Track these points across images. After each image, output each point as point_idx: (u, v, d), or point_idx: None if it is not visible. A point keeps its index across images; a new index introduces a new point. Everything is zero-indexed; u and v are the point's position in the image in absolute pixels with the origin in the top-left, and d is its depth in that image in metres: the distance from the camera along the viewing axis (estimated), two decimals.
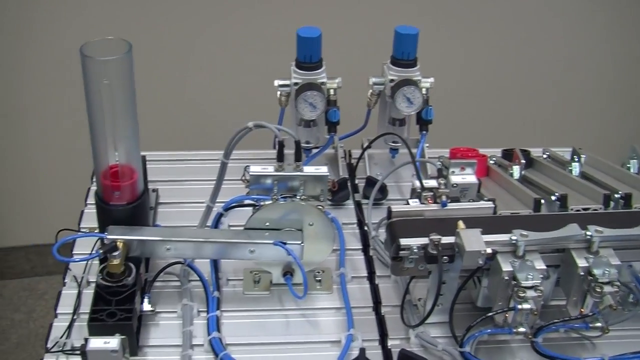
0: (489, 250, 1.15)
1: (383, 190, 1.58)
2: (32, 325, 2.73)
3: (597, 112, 2.87)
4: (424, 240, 1.18)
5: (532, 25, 2.63)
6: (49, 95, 2.51)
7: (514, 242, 1.17)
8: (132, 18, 2.39)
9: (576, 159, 1.54)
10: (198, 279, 1.35)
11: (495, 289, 1.19)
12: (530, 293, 1.15)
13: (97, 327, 1.17)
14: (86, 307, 1.24)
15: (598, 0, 2.63)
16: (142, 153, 1.33)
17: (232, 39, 2.46)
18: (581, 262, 1.18)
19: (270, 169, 1.30)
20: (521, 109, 2.79)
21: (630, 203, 1.36)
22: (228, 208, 1.50)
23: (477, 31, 2.60)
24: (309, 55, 1.54)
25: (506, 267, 1.16)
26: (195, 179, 1.63)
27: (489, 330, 1.21)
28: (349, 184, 1.61)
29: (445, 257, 1.17)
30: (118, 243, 1.23)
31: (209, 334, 1.25)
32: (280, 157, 1.30)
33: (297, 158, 1.31)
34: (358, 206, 1.58)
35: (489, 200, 1.31)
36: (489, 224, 1.21)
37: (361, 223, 1.54)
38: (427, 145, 1.64)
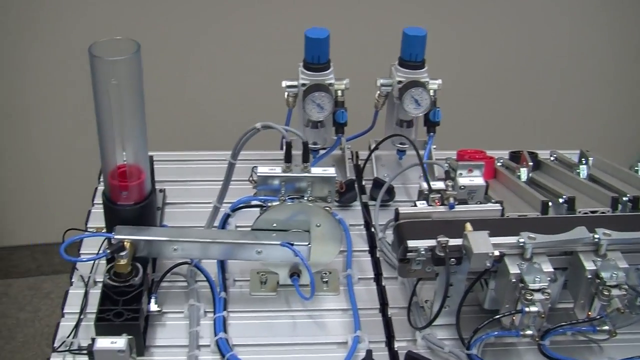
0: (496, 253, 1.15)
1: (390, 192, 1.58)
2: (37, 324, 2.74)
3: (605, 114, 2.86)
4: (431, 242, 1.18)
5: (540, 28, 2.63)
6: (56, 94, 2.51)
7: (521, 244, 1.17)
8: (138, 18, 2.39)
9: (584, 162, 1.54)
10: (205, 279, 1.35)
11: (502, 291, 1.19)
12: (538, 296, 1.14)
13: (104, 327, 1.17)
14: (93, 306, 1.24)
15: (606, 1, 2.62)
16: (150, 153, 1.33)
17: (240, 40, 2.46)
18: (589, 265, 1.18)
19: (277, 170, 1.30)
20: (528, 111, 2.79)
21: (639, 206, 1.35)
22: (235, 209, 1.50)
23: (485, 33, 2.60)
24: (317, 56, 1.54)
25: (514, 269, 1.16)
26: (203, 180, 1.63)
27: (496, 333, 1.21)
28: (356, 185, 1.61)
29: (452, 259, 1.17)
30: (125, 243, 1.23)
31: (215, 335, 1.25)
32: (288, 158, 1.30)
33: (305, 159, 1.31)
34: (365, 208, 1.58)
35: (496, 202, 1.31)
36: (497, 226, 1.21)
37: (368, 224, 1.53)
38: (435, 146, 1.64)
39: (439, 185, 1.31)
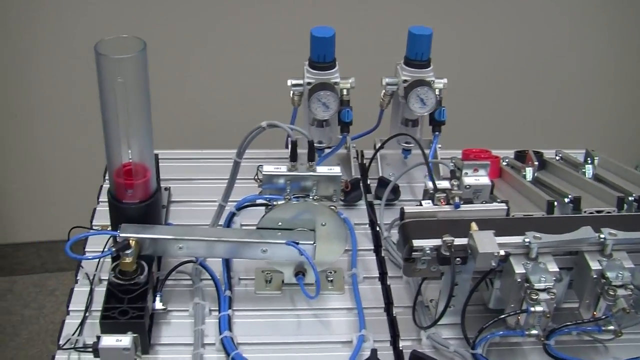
0: (502, 252, 1.15)
1: (395, 191, 1.57)
2: (42, 321, 2.74)
3: (611, 113, 2.85)
4: (436, 242, 1.18)
5: (545, 27, 2.62)
6: (61, 92, 2.51)
7: (527, 244, 1.17)
8: (144, 16, 2.39)
9: (589, 161, 1.53)
10: (210, 278, 1.36)
11: (507, 291, 1.19)
12: (543, 295, 1.14)
13: (109, 324, 1.17)
14: (98, 304, 1.24)
15: (612, 2, 2.61)
16: (155, 151, 1.33)
17: (245, 39, 2.46)
18: (594, 265, 1.18)
19: (283, 169, 1.30)
20: (534, 111, 2.78)
21: None
22: (240, 207, 1.50)
23: (490, 32, 2.59)
24: (322, 55, 1.54)
25: (519, 269, 1.16)
26: (208, 178, 1.63)
27: (501, 333, 1.21)
28: (361, 184, 1.61)
29: (458, 259, 1.17)
30: (130, 241, 1.23)
31: (220, 333, 1.25)
32: (293, 157, 1.30)
33: (310, 158, 1.31)
34: (370, 207, 1.58)
35: (502, 202, 1.31)
36: (502, 225, 1.21)
37: (373, 223, 1.53)
38: (440, 146, 1.64)
39: (444, 184, 1.31)
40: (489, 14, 2.55)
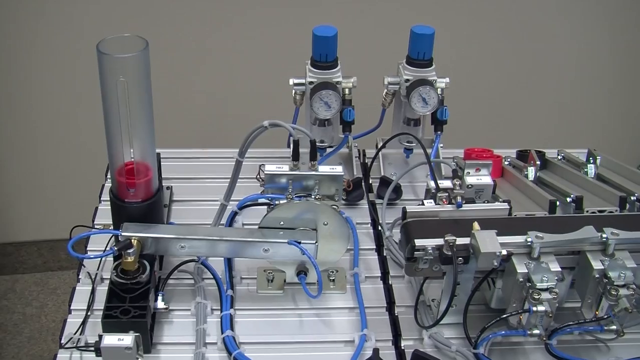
0: (504, 252, 1.15)
1: (397, 191, 1.58)
2: (43, 319, 2.74)
3: (613, 113, 2.85)
4: (438, 241, 1.18)
5: (547, 27, 2.62)
6: (62, 91, 2.51)
7: (529, 243, 1.17)
8: (145, 15, 2.39)
9: (591, 161, 1.53)
10: (212, 277, 1.36)
11: (509, 290, 1.19)
12: (545, 295, 1.14)
13: (111, 323, 1.17)
14: (100, 303, 1.24)
15: (616, 1, 2.61)
16: (157, 150, 1.33)
17: (247, 38, 2.46)
18: (597, 265, 1.18)
19: (285, 168, 1.30)
20: (536, 110, 2.78)
21: None
22: (242, 206, 1.50)
23: (493, 31, 2.59)
24: (324, 54, 1.54)
25: (521, 268, 1.16)
26: (210, 177, 1.63)
27: (503, 332, 1.20)
28: (363, 183, 1.61)
29: (460, 258, 1.17)
30: (132, 240, 1.23)
31: (222, 332, 1.25)
32: (295, 156, 1.30)
33: (312, 157, 1.31)
34: (372, 206, 1.58)
35: (504, 201, 1.30)
36: (504, 225, 1.21)
37: (375, 223, 1.53)
38: (442, 145, 1.63)
39: (446, 184, 1.31)
40: (491, 13, 2.55)
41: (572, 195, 1.37)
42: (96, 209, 1.53)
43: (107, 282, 1.25)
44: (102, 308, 1.20)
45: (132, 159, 1.26)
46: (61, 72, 2.47)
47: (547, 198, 1.37)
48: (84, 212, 1.54)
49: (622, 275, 1.16)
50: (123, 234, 1.24)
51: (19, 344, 2.64)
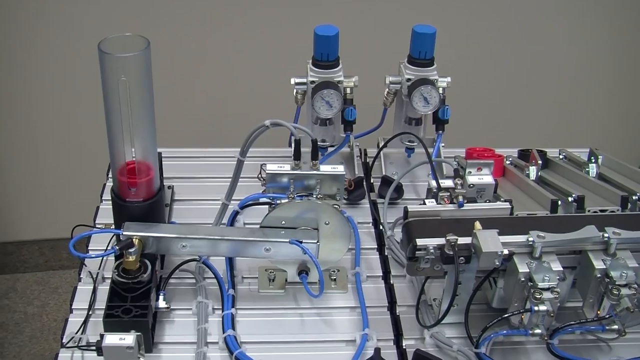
0: (505, 252, 1.15)
1: (399, 190, 1.58)
2: (45, 318, 2.75)
3: (614, 112, 2.85)
4: (440, 241, 1.18)
5: (548, 26, 2.62)
6: (64, 91, 2.51)
7: (530, 243, 1.17)
8: (147, 15, 2.39)
9: (593, 160, 1.53)
10: (213, 276, 1.36)
11: (511, 290, 1.19)
12: (547, 295, 1.14)
13: (113, 323, 1.17)
14: (101, 303, 1.24)
15: (615, 1, 2.61)
16: (159, 150, 1.33)
17: (249, 37, 2.46)
18: (598, 264, 1.18)
19: (286, 168, 1.30)
20: (537, 110, 2.78)
21: None
22: (244, 206, 1.49)
23: (494, 31, 2.59)
24: (326, 54, 1.54)
25: (523, 268, 1.16)
26: (211, 176, 1.63)
27: (504, 332, 1.20)
28: (364, 183, 1.61)
29: (461, 258, 1.17)
30: (134, 239, 1.23)
31: (223, 332, 1.25)
32: (297, 156, 1.30)
33: (314, 156, 1.30)
34: (374, 205, 1.58)
35: (505, 201, 1.30)
36: (506, 224, 1.21)
37: (376, 222, 1.53)
38: (443, 144, 1.63)
39: (448, 183, 1.31)
40: (493, 13, 2.55)
41: (573, 195, 1.37)
42: (97, 208, 1.53)
43: (109, 281, 1.25)
44: (104, 307, 1.20)
45: (134, 159, 1.26)
46: (61, 72, 2.47)
47: (548, 197, 1.37)
48: (85, 211, 1.54)
49: (623, 274, 1.16)
50: (124, 233, 1.24)
51: (20, 343, 2.64)
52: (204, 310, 1.29)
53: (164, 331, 1.27)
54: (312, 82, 1.55)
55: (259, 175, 1.31)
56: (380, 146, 1.67)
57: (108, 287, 1.23)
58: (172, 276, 1.34)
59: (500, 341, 1.24)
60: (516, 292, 1.17)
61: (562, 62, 2.69)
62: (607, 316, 1.18)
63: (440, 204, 1.28)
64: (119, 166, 1.27)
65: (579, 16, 2.61)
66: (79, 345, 1.21)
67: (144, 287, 1.22)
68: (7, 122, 2.58)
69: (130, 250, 1.22)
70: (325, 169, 1.30)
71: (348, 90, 1.56)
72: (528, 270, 1.16)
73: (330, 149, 1.64)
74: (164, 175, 1.51)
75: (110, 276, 1.24)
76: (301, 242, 1.25)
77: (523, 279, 1.16)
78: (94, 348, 1.13)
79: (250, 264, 1.39)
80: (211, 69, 2.53)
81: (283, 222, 1.28)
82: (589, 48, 2.69)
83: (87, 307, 1.29)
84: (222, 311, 1.29)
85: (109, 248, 1.30)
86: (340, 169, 1.31)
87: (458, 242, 1.17)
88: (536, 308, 1.14)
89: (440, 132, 1.62)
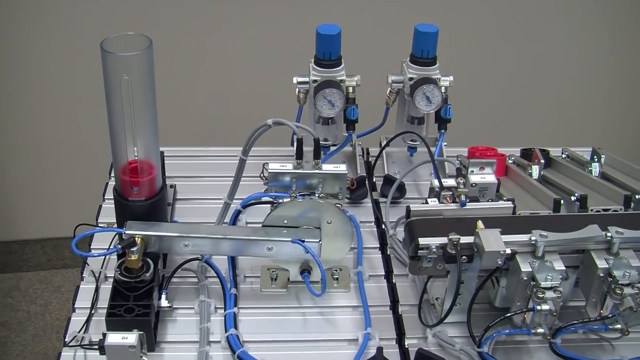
0: (508, 251, 1.15)
1: (401, 189, 1.57)
2: (48, 317, 2.75)
3: (617, 111, 2.85)
4: (442, 240, 1.18)
5: (549, 26, 2.62)
6: (66, 90, 2.51)
7: (533, 242, 1.16)
8: (149, 14, 2.39)
9: (596, 159, 1.53)
10: (215, 275, 1.36)
11: (513, 289, 1.18)
12: (550, 294, 1.14)
13: (115, 322, 1.18)
14: (104, 302, 1.24)
15: (615, 1, 2.61)
16: (161, 149, 1.33)
17: (251, 36, 2.46)
18: (601, 264, 1.18)
19: (288, 167, 1.30)
20: (540, 109, 2.78)
21: None
22: (246, 205, 1.50)
23: (497, 30, 2.59)
24: (328, 53, 1.54)
25: (525, 267, 1.16)
26: (213, 176, 1.63)
27: (507, 331, 1.20)
28: (367, 182, 1.60)
29: (464, 257, 1.17)
30: (136, 238, 1.23)
31: (226, 331, 1.25)
32: (299, 155, 1.30)
33: (316, 156, 1.30)
34: (376, 204, 1.58)
35: (508, 200, 1.30)
36: (508, 224, 1.21)
37: (379, 221, 1.53)
38: (445, 144, 1.63)
39: (450, 182, 1.31)
40: (495, 12, 2.55)
41: (576, 194, 1.37)
42: (100, 207, 1.54)
43: (111, 280, 1.25)
44: (106, 306, 1.20)
45: (136, 158, 1.26)
46: (62, 71, 2.47)
47: (551, 197, 1.37)
48: (87, 210, 1.55)
49: (626, 274, 1.16)
50: (127, 232, 1.24)
51: (23, 341, 2.64)
52: (207, 309, 1.29)
53: (166, 330, 1.27)
54: (315, 81, 1.55)
55: (262, 175, 1.30)
56: (383, 145, 1.67)
57: (110, 286, 1.23)
58: (175, 275, 1.34)
59: (502, 340, 1.24)
60: (519, 291, 1.17)
61: (563, 62, 2.69)
62: (610, 315, 1.18)
63: (443, 203, 1.28)
64: (121, 165, 1.27)
65: (579, 16, 2.61)
66: (82, 344, 1.21)
67: (146, 286, 1.22)
68: (9, 122, 2.58)
69: (133, 249, 1.22)
70: (328, 168, 1.30)
71: (350, 89, 1.56)
72: (531, 270, 1.15)
73: (332, 148, 1.64)
74: (166, 174, 1.51)
75: (113, 275, 1.24)
76: (303, 241, 1.25)
77: (525, 278, 1.16)
78: (96, 347, 1.13)
79: (253, 263, 1.39)
80: (214, 68, 2.53)
81: (285, 221, 1.28)
82: (590, 48, 2.68)
83: (89, 306, 1.29)
84: (225, 310, 1.29)
85: (111, 247, 1.30)
86: (342, 168, 1.31)
87: (460, 242, 1.16)
88: (539, 307, 1.14)
89: (443, 131, 1.62)
